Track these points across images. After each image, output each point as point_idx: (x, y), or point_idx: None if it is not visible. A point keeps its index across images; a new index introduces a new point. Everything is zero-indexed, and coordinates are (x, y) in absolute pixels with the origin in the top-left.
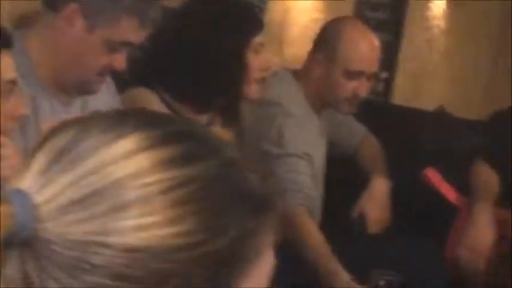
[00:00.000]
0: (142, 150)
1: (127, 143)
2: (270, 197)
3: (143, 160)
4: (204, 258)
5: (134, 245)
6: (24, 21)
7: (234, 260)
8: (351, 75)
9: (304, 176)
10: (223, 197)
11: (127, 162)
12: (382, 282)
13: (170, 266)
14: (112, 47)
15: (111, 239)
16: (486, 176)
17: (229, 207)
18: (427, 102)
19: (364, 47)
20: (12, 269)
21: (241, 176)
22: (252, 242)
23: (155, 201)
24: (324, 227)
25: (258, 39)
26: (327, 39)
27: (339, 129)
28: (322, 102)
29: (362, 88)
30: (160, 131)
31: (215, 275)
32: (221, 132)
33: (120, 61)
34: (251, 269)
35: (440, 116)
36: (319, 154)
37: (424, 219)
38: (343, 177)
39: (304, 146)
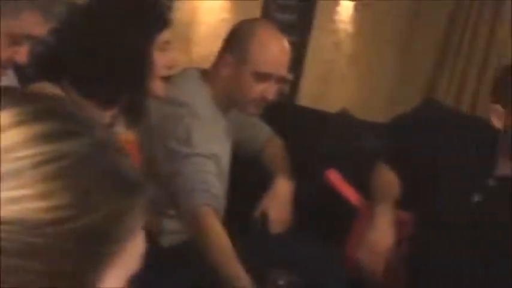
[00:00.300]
0: (15, 125)
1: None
2: (142, 181)
3: (15, 135)
4: (75, 234)
5: (6, 218)
6: None
7: (105, 238)
8: (260, 77)
9: (211, 176)
10: (95, 174)
11: None
12: (281, 282)
13: (42, 239)
14: (14, 40)
15: None
16: (387, 178)
17: (100, 185)
18: (333, 105)
19: (274, 50)
20: None
21: (113, 156)
22: (123, 222)
23: (26, 175)
24: (227, 226)
25: (164, 36)
26: (238, 40)
27: (244, 129)
28: (229, 102)
29: (270, 91)
30: (33, 107)
31: (88, 252)
32: (124, 133)
33: (21, 54)
34: (122, 249)
35: (343, 118)
36: (225, 154)
37: (325, 220)
38: (247, 177)
39: (211, 146)
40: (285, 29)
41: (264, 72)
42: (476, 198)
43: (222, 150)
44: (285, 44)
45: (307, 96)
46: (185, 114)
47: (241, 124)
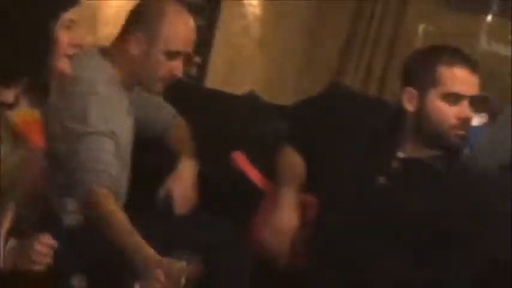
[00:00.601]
0: None
1: None
2: None
3: None
4: None
5: None
6: None
7: None
8: (171, 55)
9: (108, 155)
10: None
11: None
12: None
13: None
14: None
15: None
16: (291, 161)
17: None
18: (241, 88)
19: (184, 28)
20: None
21: None
22: None
23: None
24: (130, 207)
25: (69, 15)
26: (146, 19)
27: (147, 109)
28: (134, 80)
29: (179, 68)
30: None
31: None
32: (27, 111)
33: None
34: None
35: (250, 100)
36: (125, 133)
37: (230, 201)
38: (150, 158)
39: (109, 125)
40: (194, 11)
41: (175, 51)
42: (381, 180)
43: (123, 129)
44: (192, 21)
45: (215, 79)
46: (82, 91)
47: (145, 104)
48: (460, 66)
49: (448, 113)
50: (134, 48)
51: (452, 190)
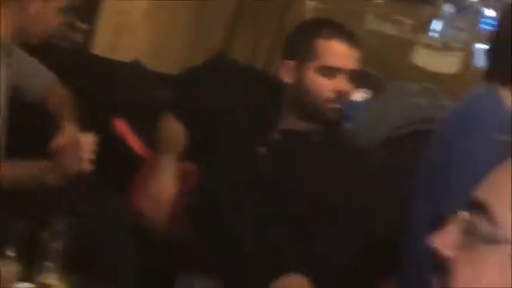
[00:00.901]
0: None
1: None
2: None
3: None
4: None
5: None
6: None
7: None
8: (63, 11)
9: None
10: None
11: None
12: (59, 228)
13: None
14: None
15: None
16: (172, 129)
17: None
18: (127, 56)
19: None
20: None
21: None
22: None
23: None
24: None
25: None
26: None
27: (24, 72)
28: (20, 36)
29: (61, 20)
30: None
31: None
32: None
33: None
34: None
35: (134, 68)
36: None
37: (111, 168)
38: (32, 123)
39: None
40: None
41: (64, 6)
42: (261, 151)
43: None
44: None
45: (101, 46)
46: None
47: (22, 67)
48: (337, 40)
49: (324, 86)
50: (27, 6)
51: (328, 162)
